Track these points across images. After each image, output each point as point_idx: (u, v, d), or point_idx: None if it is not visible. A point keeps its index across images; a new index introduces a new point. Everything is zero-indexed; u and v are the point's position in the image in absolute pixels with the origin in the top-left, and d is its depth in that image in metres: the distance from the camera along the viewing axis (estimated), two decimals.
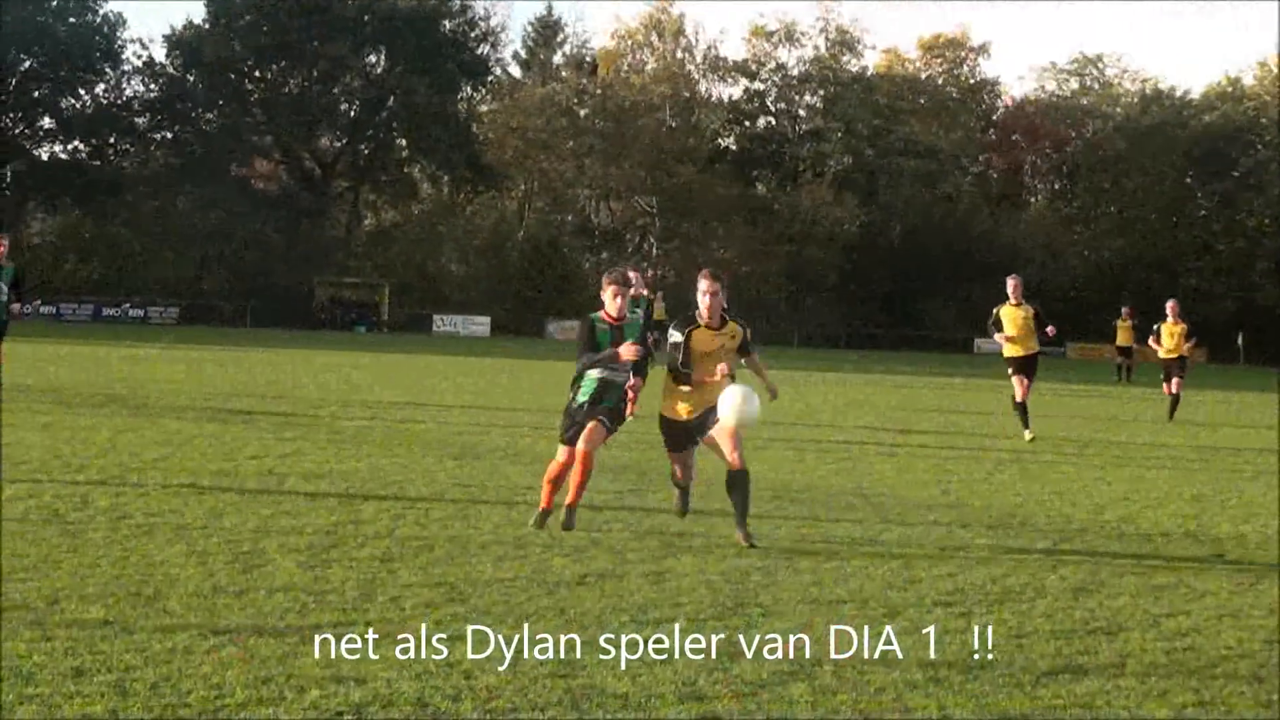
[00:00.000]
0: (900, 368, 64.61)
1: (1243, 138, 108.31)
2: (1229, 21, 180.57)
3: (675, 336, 13.60)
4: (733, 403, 13.08)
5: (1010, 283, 27.72)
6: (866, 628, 9.70)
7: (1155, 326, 34.64)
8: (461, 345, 75.99)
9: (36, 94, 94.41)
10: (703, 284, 13.39)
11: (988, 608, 11.38)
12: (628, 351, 13.11)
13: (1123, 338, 55.84)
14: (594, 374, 13.49)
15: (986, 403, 40.22)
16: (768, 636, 10.01)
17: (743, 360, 13.89)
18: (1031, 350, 26.44)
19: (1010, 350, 26.30)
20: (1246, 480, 22.08)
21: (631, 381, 13.62)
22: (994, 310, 27.86)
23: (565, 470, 13.62)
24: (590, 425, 13.33)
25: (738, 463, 13.16)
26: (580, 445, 13.33)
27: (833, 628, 9.98)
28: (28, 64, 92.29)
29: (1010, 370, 26.64)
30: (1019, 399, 26.29)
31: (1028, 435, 25.90)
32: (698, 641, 9.80)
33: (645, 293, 30.50)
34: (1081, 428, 25.67)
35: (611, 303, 13.50)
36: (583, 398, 13.63)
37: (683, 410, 13.64)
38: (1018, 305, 26.80)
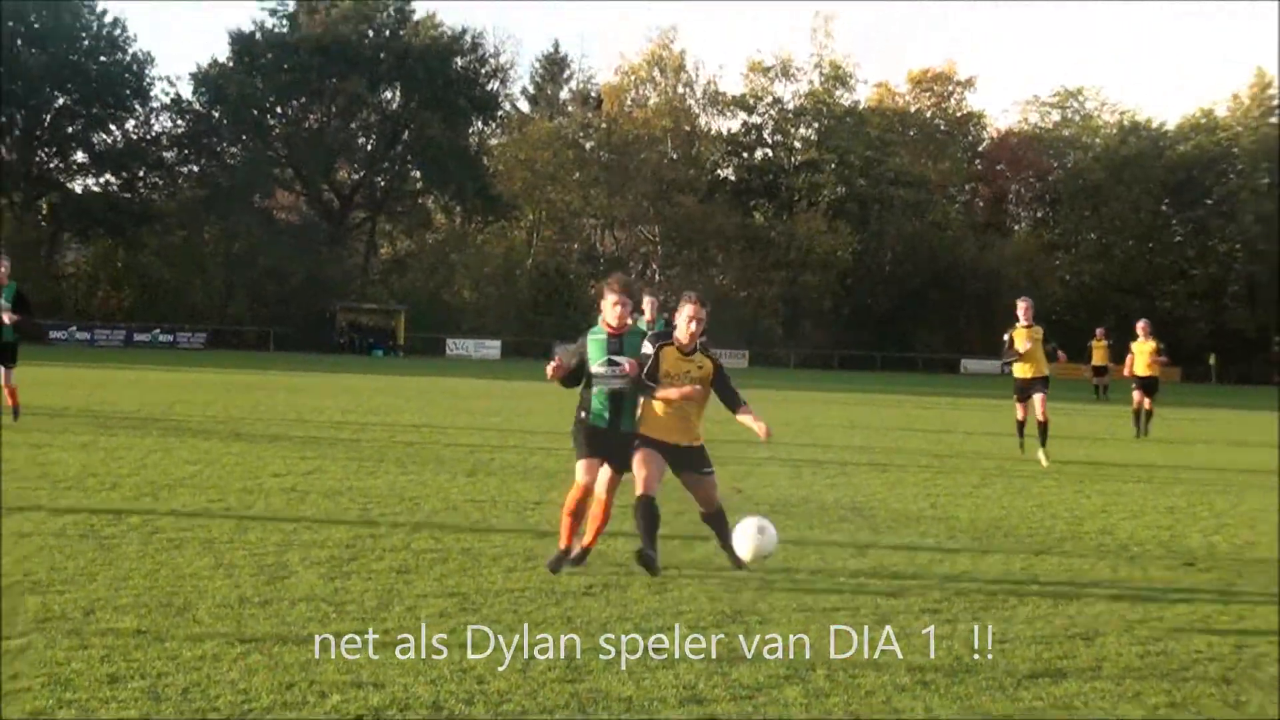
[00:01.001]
0: (891, 388, 64.52)
1: (1216, 167, 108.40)
2: (1204, 55, 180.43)
3: (647, 349, 12.68)
4: (753, 540, 11.99)
5: (1021, 305, 26.84)
6: (858, 633, 9.74)
7: (1129, 349, 34.78)
8: (473, 368, 76.03)
9: (70, 129, 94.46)
10: (688, 308, 12.49)
11: (973, 614, 11.42)
12: (630, 366, 12.05)
13: (1098, 357, 55.93)
14: (601, 387, 12.34)
15: (973, 421, 40.23)
16: (768, 637, 10.11)
17: (734, 405, 12.78)
18: (1042, 373, 25.95)
19: (1020, 371, 25.94)
20: (1217, 493, 22.10)
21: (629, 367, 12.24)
22: (1007, 335, 26.96)
23: (586, 496, 12.25)
24: (605, 478, 12.30)
25: (710, 505, 12.73)
26: (601, 494, 12.26)
27: (833, 628, 10.07)
28: (61, 101, 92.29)
29: (1016, 392, 26.15)
30: (1021, 418, 25.96)
31: (1042, 456, 25.05)
32: (698, 643, 9.88)
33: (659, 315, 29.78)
34: (1062, 444, 25.63)
35: (611, 311, 12.46)
36: (598, 421, 12.41)
37: (656, 433, 12.47)
38: (1028, 327, 26.25)
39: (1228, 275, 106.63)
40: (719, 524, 12.60)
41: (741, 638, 10.19)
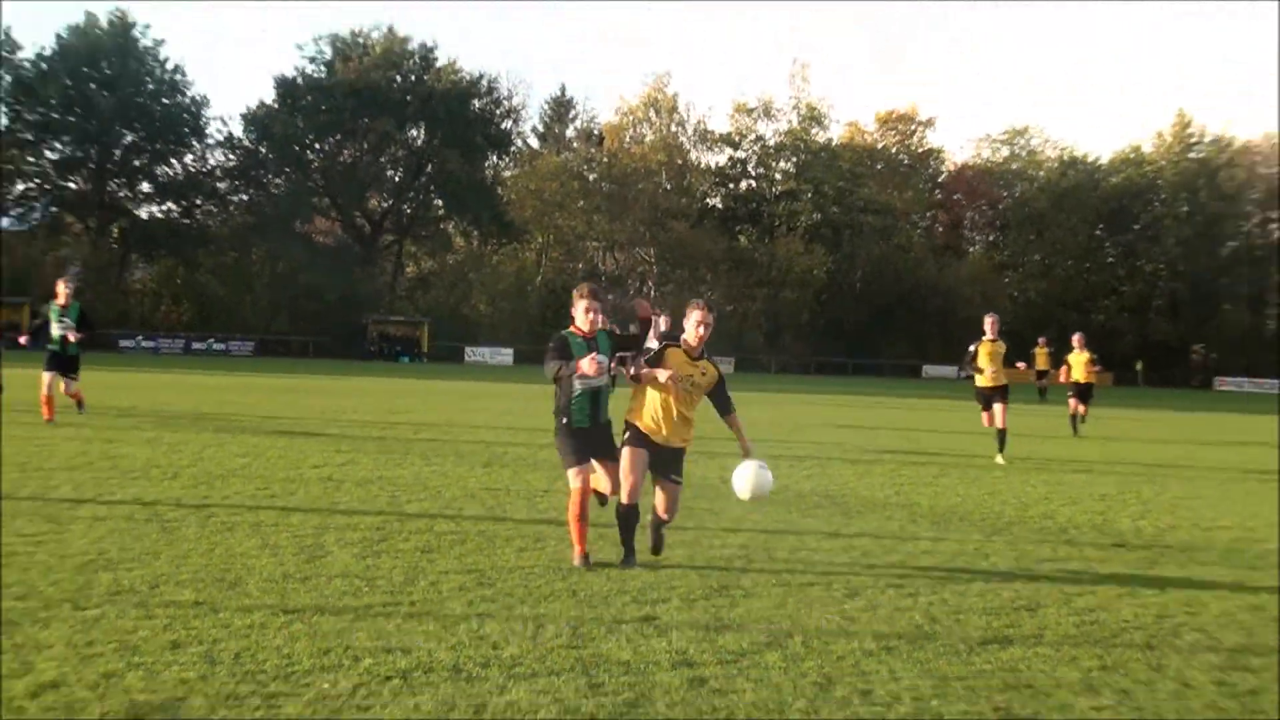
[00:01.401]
0: (861, 391, 64.52)
1: (1143, 197, 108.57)
2: (1133, 97, 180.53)
3: (653, 344, 12.51)
4: (752, 481, 11.67)
5: (988, 321, 26.03)
6: (878, 630, 9.76)
7: (1065, 359, 34.85)
8: (489, 373, 75.92)
9: (137, 163, 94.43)
10: (696, 314, 11.71)
11: (932, 589, 11.45)
12: (588, 366, 11.38)
13: (1040, 362, 55.84)
14: (579, 388, 11.70)
15: (933, 420, 40.19)
16: (752, 613, 10.13)
17: (726, 411, 11.97)
18: (1001, 382, 25.63)
19: (981, 381, 25.63)
20: (1144, 484, 22.09)
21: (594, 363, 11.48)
22: (972, 346, 26.22)
23: (586, 498, 11.66)
24: (611, 466, 11.77)
25: (666, 511, 11.89)
26: (601, 486, 11.99)
27: (809, 600, 10.07)
28: (129, 138, 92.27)
29: (979, 400, 25.82)
30: (986, 425, 25.64)
31: (1000, 459, 24.67)
32: (688, 614, 9.90)
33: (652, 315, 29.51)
34: (1010, 440, 25.61)
35: (583, 317, 11.93)
36: (580, 422, 11.77)
37: (648, 426, 11.71)
38: (994, 341, 25.75)
39: (1153, 292, 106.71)
40: (659, 533, 12.00)
41: (727, 609, 10.24)
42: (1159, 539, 15.41)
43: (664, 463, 11.68)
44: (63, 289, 24.32)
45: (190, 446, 21.09)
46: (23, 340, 24.03)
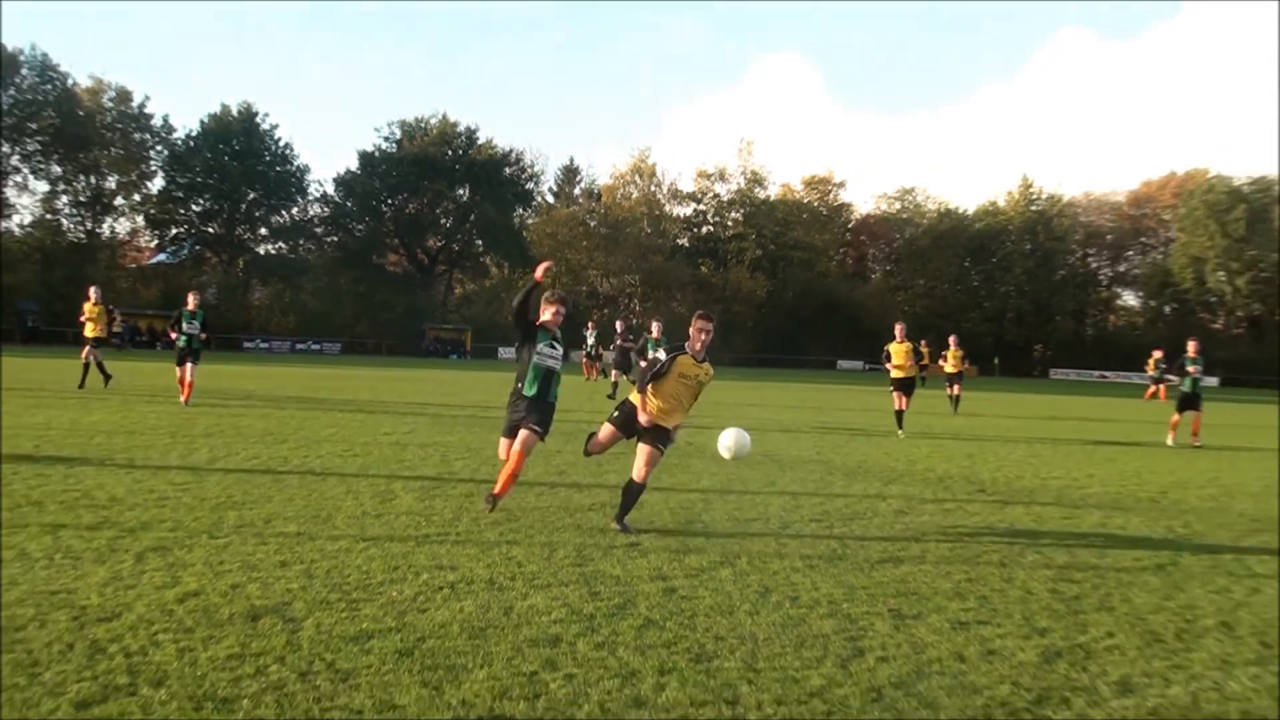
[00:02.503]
0: (791, 379, 64.59)
1: (998, 238, 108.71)
2: (991, 166, 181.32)
3: (661, 354, 11.34)
4: (733, 440, 11.01)
5: (897, 327, 25.80)
6: (806, 554, 9.74)
7: (942, 352, 34.90)
8: (516, 367, 75.36)
9: (257, 214, 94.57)
10: (699, 323, 10.84)
11: (844, 522, 11.43)
12: (540, 270, 10.65)
13: (923, 359, 55.88)
14: (536, 363, 10.94)
15: (844, 400, 40.18)
16: (710, 541, 10.11)
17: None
18: (910, 374, 25.44)
19: (895, 374, 25.39)
20: (999, 445, 22.09)
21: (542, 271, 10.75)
22: (886, 348, 25.79)
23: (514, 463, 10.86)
24: (525, 434, 10.78)
25: (641, 479, 10.59)
26: (516, 448, 10.76)
27: (751, 532, 10.06)
28: (252, 195, 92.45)
29: (892, 387, 25.53)
30: (897, 408, 24.76)
31: (901, 433, 23.92)
32: (663, 542, 9.87)
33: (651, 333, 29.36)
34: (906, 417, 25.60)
35: (554, 319, 11.20)
36: (529, 391, 10.97)
37: (656, 408, 10.71)
38: (901, 343, 25.50)
39: (1006, 306, 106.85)
40: (631, 496, 10.60)
41: (689, 541, 10.21)
42: (1009, 485, 15.41)
43: (655, 434, 10.81)
44: (192, 298, 24.32)
45: (294, 420, 21.03)
46: (172, 335, 23.94)
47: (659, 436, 10.79)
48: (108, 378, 26.94)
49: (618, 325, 39.29)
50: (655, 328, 26.82)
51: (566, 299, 11.46)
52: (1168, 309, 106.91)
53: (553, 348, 11.14)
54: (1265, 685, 6.47)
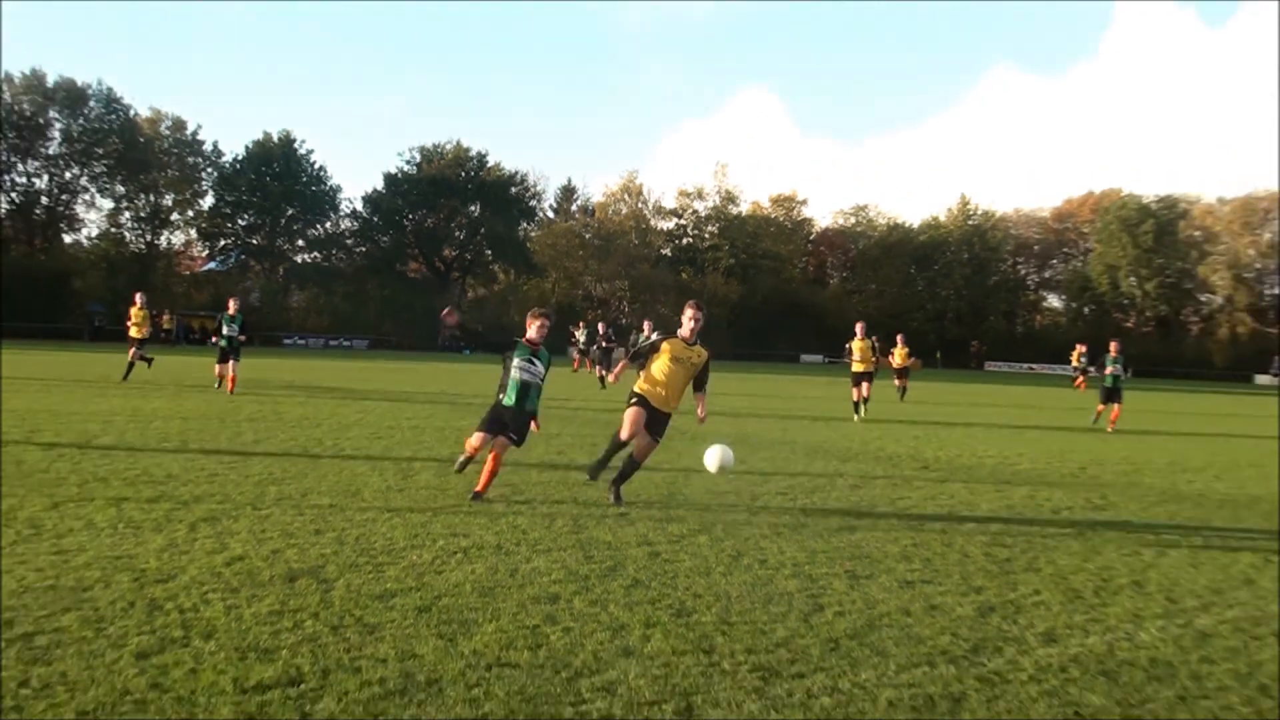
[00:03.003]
0: (760, 371, 64.59)
1: (940, 248, 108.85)
2: (931, 186, 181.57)
3: (654, 337, 10.87)
4: (719, 457, 10.41)
5: (858, 326, 25.83)
6: (773, 522, 9.74)
7: (890, 349, 34.86)
8: None
9: (295, 227, 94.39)
10: (690, 311, 10.69)
11: (805, 496, 11.43)
12: (450, 318, 10.47)
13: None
14: (515, 376, 10.46)
15: (807, 390, 40.22)
16: (689, 512, 10.11)
17: (701, 386, 10.59)
18: (868, 367, 25.26)
19: (855, 367, 25.21)
20: (940, 428, 22.14)
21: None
22: (848, 344, 25.74)
23: (478, 453, 10.56)
24: (503, 441, 10.27)
25: (640, 458, 10.46)
26: (495, 451, 10.24)
27: (725, 503, 10.05)
28: (290, 211, 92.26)
29: (853, 380, 25.36)
30: (855, 398, 24.61)
31: (857, 418, 23.70)
32: (649, 513, 9.87)
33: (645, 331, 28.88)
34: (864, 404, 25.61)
35: (538, 332, 10.63)
36: (509, 400, 10.44)
37: (655, 394, 10.41)
38: (861, 340, 25.34)
39: (947, 308, 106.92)
40: (630, 470, 10.51)
41: (673, 508, 10.21)
42: (949, 463, 15.44)
43: (655, 423, 10.59)
44: (233, 303, 24.32)
45: (327, 407, 20.99)
46: (214, 340, 23.93)
47: (659, 427, 10.59)
48: (131, 366, 26.75)
49: (600, 327, 39.16)
50: (647, 326, 26.64)
51: (550, 314, 10.99)
52: (1087, 310, 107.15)
53: (531, 363, 10.61)
54: (1171, 636, 6.49)
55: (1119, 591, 7.63)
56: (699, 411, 10.85)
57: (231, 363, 23.46)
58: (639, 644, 5.84)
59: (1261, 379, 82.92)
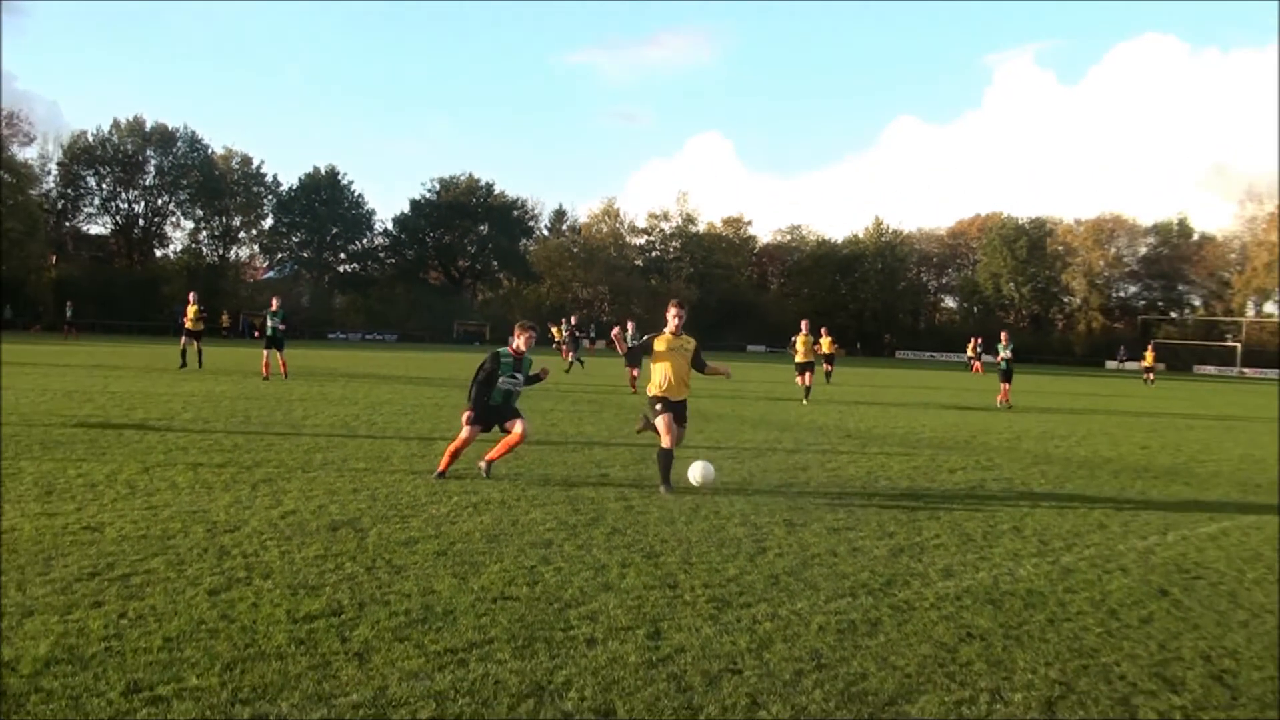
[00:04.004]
0: (713, 359, 64.46)
1: (859, 259, 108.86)
2: (847, 208, 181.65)
3: (644, 337, 9.87)
4: (700, 472, 9.04)
5: (803, 323, 24.73)
6: (725, 480, 9.69)
7: (817, 339, 34.77)
8: None
9: (338, 243, 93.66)
10: (673, 310, 9.59)
11: (751, 459, 11.41)
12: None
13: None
14: (502, 388, 9.29)
15: (755, 376, 40.21)
16: (658, 470, 10.06)
17: (702, 369, 9.56)
18: (810, 359, 24.16)
19: (799, 358, 24.76)
20: (862, 404, 22.21)
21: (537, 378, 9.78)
22: (793, 337, 24.82)
23: (466, 446, 9.25)
24: (524, 424, 9.21)
25: (669, 445, 9.12)
26: (519, 431, 9.16)
27: (717, 475, 10.03)
28: (334, 230, 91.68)
29: (796, 370, 24.81)
30: (801, 384, 23.78)
31: (805, 402, 22.46)
32: (625, 474, 9.82)
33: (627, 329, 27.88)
34: (798, 390, 25.60)
35: (525, 343, 9.56)
36: (496, 401, 9.24)
37: (668, 392, 9.23)
38: (805, 335, 24.30)
39: (865, 308, 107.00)
40: (669, 459, 9.11)
41: (645, 470, 10.16)
42: (868, 432, 15.44)
43: (680, 413, 9.39)
44: (275, 301, 23.84)
45: (363, 388, 20.83)
46: (256, 334, 23.44)
47: (682, 414, 9.48)
48: (184, 363, 25.55)
49: (572, 319, 38.94)
50: (630, 326, 26.21)
51: (536, 327, 9.87)
52: (975, 309, 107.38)
53: (513, 377, 9.43)
54: (1043, 571, 6.51)
55: (1002, 535, 7.65)
56: (724, 371, 10.13)
57: (278, 352, 22.98)
58: (616, 580, 5.81)
59: (1110, 364, 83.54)
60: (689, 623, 5.04)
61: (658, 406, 9.35)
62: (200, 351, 26.48)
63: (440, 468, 9.22)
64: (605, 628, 4.90)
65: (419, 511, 7.54)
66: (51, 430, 11.48)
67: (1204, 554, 7.26)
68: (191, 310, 26.06)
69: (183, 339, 26.02)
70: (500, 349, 9.54)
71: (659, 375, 9.40)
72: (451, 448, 9.28)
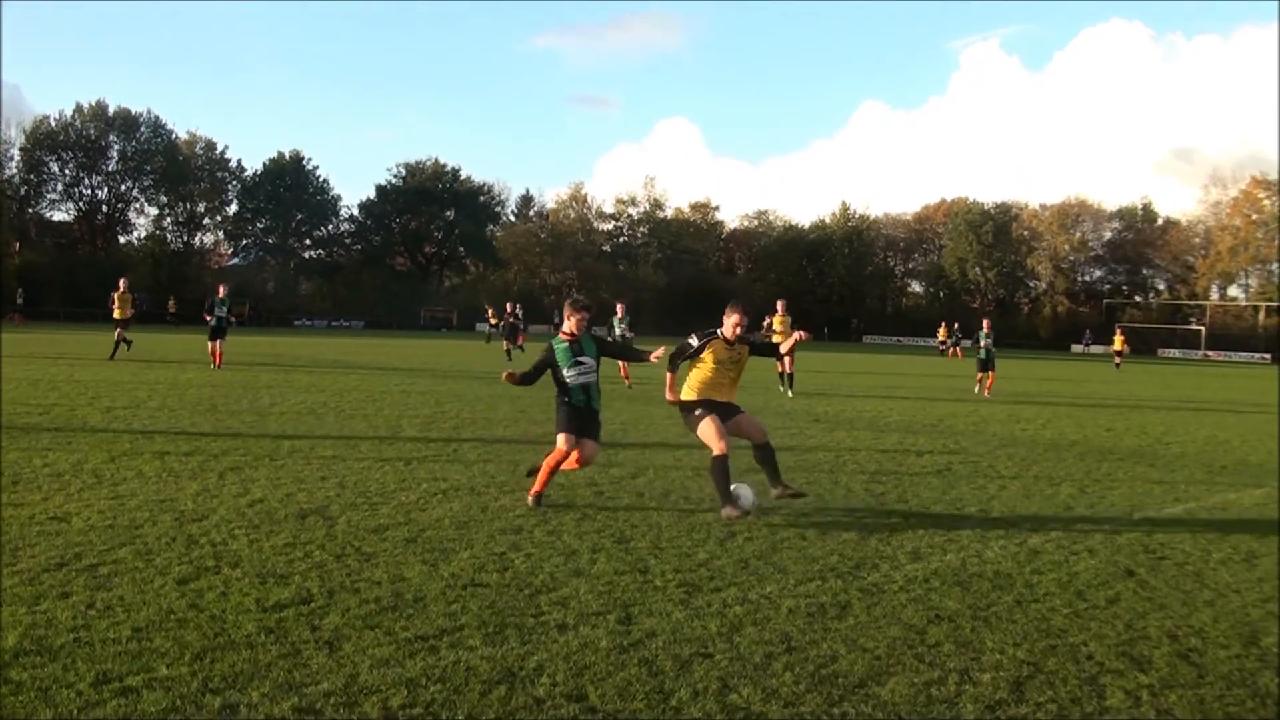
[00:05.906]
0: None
1: (827, 245, 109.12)
2: (814, 194, 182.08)
3: (694, 340, 8.09)
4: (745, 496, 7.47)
5: (779, 304, 23.38)
6: (694, 466, 9.71)
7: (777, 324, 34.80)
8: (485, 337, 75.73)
9: (303, 229, 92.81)
10: (734, 316, 8.01)
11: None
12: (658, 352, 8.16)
13: (776, 326, 55.85)
14: (574, 383, 7.77)
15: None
16: (627, 458, 10.05)
17: (780, 359, 8.31)
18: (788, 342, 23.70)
19: (775, 339, 23.98)
20: (830, 388, 22.33)
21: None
22: (768, 319, 24.18)
23: (565, 458, 7.66)
24: (593, 446, 7.87)
25: (763, 439, 7.93)
26: (586, 455, 7.83)
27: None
28: (299, 216, 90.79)
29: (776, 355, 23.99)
30: (780, 371, 21.96)
31: (789, 394, 20.57)
32: (599, 468, 9.82)
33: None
34: (772, 376, 25.70)
35: (577, 325, 7.86)
36: (579, 401, 7.77)
37: (714, 396, 7.89)
38: (781, 317, 22.93)
39: (831, 292, 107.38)
40: (769, 456, 7.90)
41: (615, 455, 10.15)
42: (836, 416, 15.53)
43: (730, 411, 7.94)
44: (223, 288, 23.02)
45: (330, 376, 20.66)
46: (207, 318, 22.54)
47: (735, 409, 8.07)
48: (117, 347, 23.84)
49: (509, 306, 37.81)
50: (620, 309, 25.03)
51: (590, 305, 8.45)
52: (942, 294, 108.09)
53: (579, 363, 7.89)
54: (1010, 553, 6.59)
55: (969, 517, 7.73)
56: (797, 337, 8.98)
57: (219, 340, 22.12)
58: (587, 566, 5.82)
59: (1076, 348, 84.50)
60: (660, 608, 5.05)
61: (697, 412, 7.87)
62: (129, 341, 24.36)
63: (535, 488, 7.66)
64: (576, 613, 4.90)
65: (388, 499, 7.51)
66: (16, 419, 11.31)
67: (1170, 535, 7.38)
68: (119, 296, 24.14)
69: (118, 331, 24.01)
70: (554, 340, 8.11)
71: (708, 382, 7.98)
72: (549, 462, 7.69)
